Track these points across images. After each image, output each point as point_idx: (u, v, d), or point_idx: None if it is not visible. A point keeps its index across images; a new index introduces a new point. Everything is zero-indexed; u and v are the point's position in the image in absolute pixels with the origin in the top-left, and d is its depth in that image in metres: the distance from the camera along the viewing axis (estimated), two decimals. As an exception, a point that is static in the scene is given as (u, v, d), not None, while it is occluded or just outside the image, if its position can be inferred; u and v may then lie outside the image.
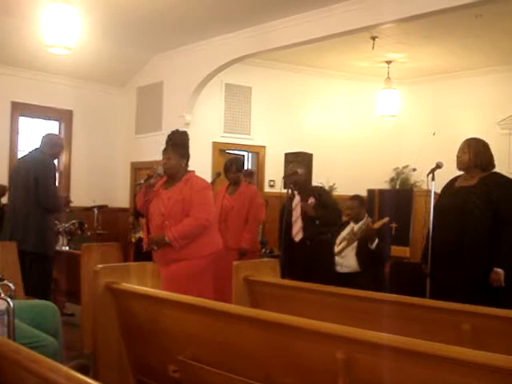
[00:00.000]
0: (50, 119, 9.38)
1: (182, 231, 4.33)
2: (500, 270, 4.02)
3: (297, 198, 5.83)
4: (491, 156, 4.38)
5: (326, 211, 5.69)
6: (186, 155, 4.58)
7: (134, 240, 7.85)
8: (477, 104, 10.07)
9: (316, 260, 5.61)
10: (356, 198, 5.98)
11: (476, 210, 4.12)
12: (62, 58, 7.19)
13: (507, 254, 4.07)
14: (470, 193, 4.21)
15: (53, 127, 9.28)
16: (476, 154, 4.32)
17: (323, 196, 5.81)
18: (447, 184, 4.51)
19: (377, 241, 5.51)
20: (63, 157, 9.17)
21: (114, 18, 7.43)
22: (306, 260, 5.63)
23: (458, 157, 4.39)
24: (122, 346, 3.23)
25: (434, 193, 4.58)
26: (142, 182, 4.65)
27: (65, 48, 6.04)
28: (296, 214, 5.78)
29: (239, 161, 6.49)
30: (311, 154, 8.93)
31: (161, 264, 4.20)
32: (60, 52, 6.20)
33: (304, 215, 5.71)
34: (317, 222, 5.68)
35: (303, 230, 5.74)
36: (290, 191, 5.91)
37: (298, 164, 6.08)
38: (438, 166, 4.55)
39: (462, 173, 4.47)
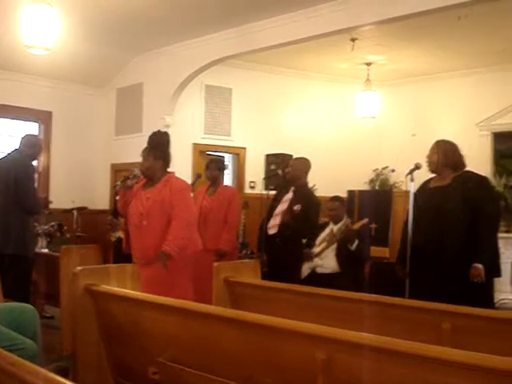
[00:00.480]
0: (28, 120, 9.30)
1: (173, 241, 4.29)
2: (480, 266, 4.07)
3: (289, 195, 5.79)
4: (460, 155, 4.45)
5: (301, 224, 5.64)
6: (161, 157, 4.56)
7: (113, 239, 7.82)
8: (456, 106, 10.16)
9: (288, 262, 5.59)
10: (337, 198, 5.99)
11: (454, 209, 4.18)
12: (41, 59, 7.13)
13: (486, 250, 4.14)
14: (446, 192, 4.27)
15: (32, 128, 9.20)
16: (445, 153, 4.39)
17: (309, 209, 5.73)
18: (421, 186, 4.55)
19: (356, 242, 5.53)
20: (42, 158, 9.10)
21: (94, 19, 7.38)
22: (283, 261, 5.60)
23: (428, 158, 4.45)
24: (101, 348, 3.21)
25: (413, 193, 4.61)
26: (119, 183, 4.64)
27: (44, 49, 5.99)
28: (282, 207, 5.74)
29: (220, 160, 6.51)
30: (291, 156, 8.95)
31: (140, 265, 4.18)
32: (39, 52, 6.14)
33: (283, 213, 5.69)
34: (287, 232, 5.65)
35: (279, 227, 5.72)
36: (269, 192, 5.91)
37: (293, 166, 5.96)
38: (417, 166, 4.58)
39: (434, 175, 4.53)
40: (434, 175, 4.53)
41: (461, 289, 4.07)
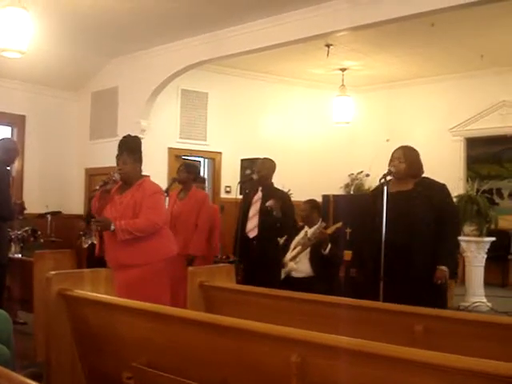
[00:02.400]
0: (1, 124, 9.22)
1: (130, 224, 4.28)
2: (444, 268, 4.20)
3: (258, 194, 5.80)
4: (421, 162, 4.56)
5: (284, 219, 5.67)
6: (140, 159, 4.56)
7: (85, 245, 7.75)
8: (429, 111, 10.28)
9: (265, 263, 5.60)
10: (308, 202, 6.02)
11: (421, 214, 4.29)
12: (15, 62, 7.07)
13: (451, 254, 4.34)
14: (411, 197, 4.37)
15: (5, 132, 9.11)
16: (411, 163, 4.48)
17: (285, 202, 5.77)
18: (380, 190, 4.55)
19: (330, 246, 5.56)
20: (16, 162, 9.00)
21: (69, 23, 7.35)
22: (259, 263, 5.61)
23: (395, 167, 4.47)
24: (75, 353, 3.19)
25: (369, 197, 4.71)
26: (98, 188, 4.61)
27: (18, 52, 5.95)
28: (254, 209, 5.74)
29: (191, 164, 6.51)
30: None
31: (115, 269, 4.17)
32: (13, 56, 6.10)
33: (261, 213, 5.69)
34: (278, 225, 5.66)
35: (258, 228, 5.73)
36: (246, 192, 5.92)
37: (262, 166, 5.97)
38: (390, 171, 4.62)
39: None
40: (389, 178, 4.55)
41: (428, 289, 4.17)
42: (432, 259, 4.24)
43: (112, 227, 4.28)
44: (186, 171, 6.07)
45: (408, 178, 4.47)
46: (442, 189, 4.46)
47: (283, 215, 5.63)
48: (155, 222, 4.38)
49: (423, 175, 4.55)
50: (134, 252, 4.33)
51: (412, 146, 4.64)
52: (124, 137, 4.63)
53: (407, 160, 4.46)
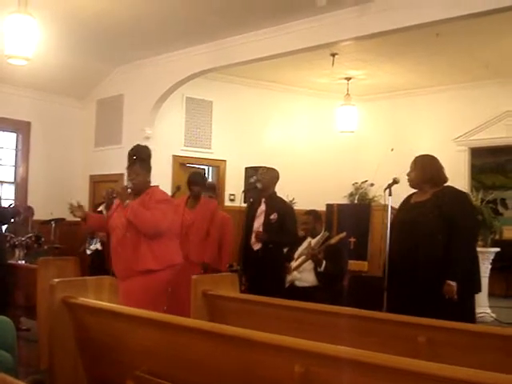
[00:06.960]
0: (7, 131, 9.24)
1: (140, 210, 4.32)
2: (453, 283, 4.04)
3: (262, 207, 5.78)
4: (439, 169, 4.41)
5: (280, 235, 5.62)
6: (150, 169, 4.58)
7: (89, 252, 7.77)
8: (434, 121, 10.29)
9: (269, 274, 5.59)
10: (311, 212, 6.02)
11: (429, 223, 4.15)
12: (21, 69, 7.09)
13: (459, 267, 4.10)
14: (423, 207, 4.25)
15: (10, 139, 9.14)
16: (423, 169, 4.36)
17: (286, 217, 5.70)
18: (404, 201, 4.53)
19: (324, 263, 5.56)
20: (20, 169, 9.05)
21: (75, 30, 7.38)
22: (263, 274, 5.59)
23: (407, 175, 4.44)
24: (78, 361, 3.19)
25: (391, 207, 4.64)
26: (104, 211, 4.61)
27: (24, 59, 5.97)
28: (258, 222, 5.72)
29: (198, 173, 6.52)
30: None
31: (121, 278, 4.18)
32: (19, 63, 6.12)
33: (264, 227, 5.67)
34: (270, 246, 5.63)
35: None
36: (250, 201, 5.91)
37: (263, 175, 5.93)
38: (395, 181, 4.61)
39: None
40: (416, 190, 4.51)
41: (440, 305, 4.04)
42: (441, 272, 4.08)
43: (126, 202, 4.31)
44: (195, 184, 5.99)
45: (426, 186, 4.34)
46: (456, 197, 4.29)
47: (281, 230, 5.61)
48: (159, 223, 4.38)
49: (447, 184, 4.39)
50: (142, 257, 4.35)
51: (428, 153, 4.55)
52: (135, 147, 4.64)
53: (417, 167, 4.38)
